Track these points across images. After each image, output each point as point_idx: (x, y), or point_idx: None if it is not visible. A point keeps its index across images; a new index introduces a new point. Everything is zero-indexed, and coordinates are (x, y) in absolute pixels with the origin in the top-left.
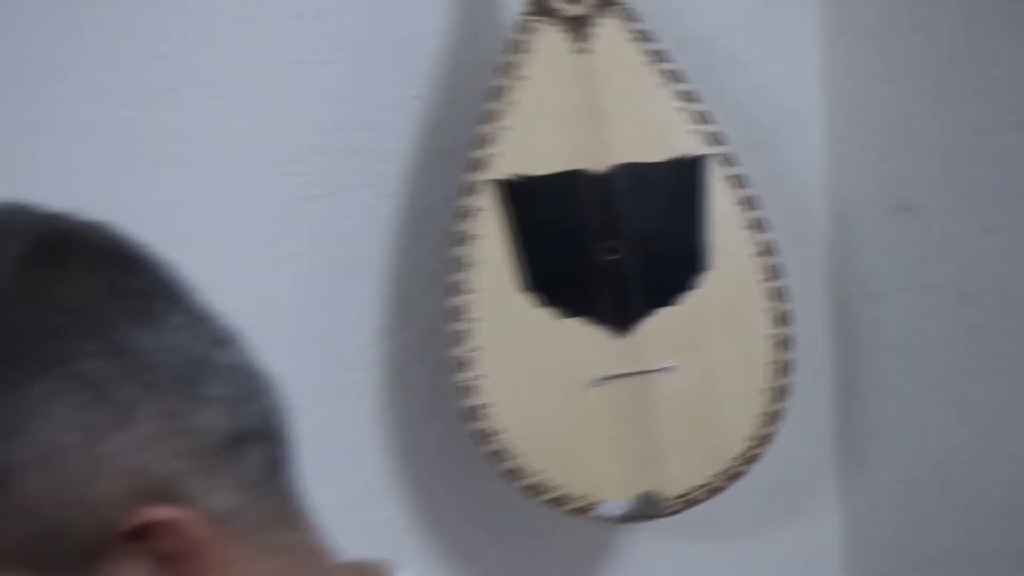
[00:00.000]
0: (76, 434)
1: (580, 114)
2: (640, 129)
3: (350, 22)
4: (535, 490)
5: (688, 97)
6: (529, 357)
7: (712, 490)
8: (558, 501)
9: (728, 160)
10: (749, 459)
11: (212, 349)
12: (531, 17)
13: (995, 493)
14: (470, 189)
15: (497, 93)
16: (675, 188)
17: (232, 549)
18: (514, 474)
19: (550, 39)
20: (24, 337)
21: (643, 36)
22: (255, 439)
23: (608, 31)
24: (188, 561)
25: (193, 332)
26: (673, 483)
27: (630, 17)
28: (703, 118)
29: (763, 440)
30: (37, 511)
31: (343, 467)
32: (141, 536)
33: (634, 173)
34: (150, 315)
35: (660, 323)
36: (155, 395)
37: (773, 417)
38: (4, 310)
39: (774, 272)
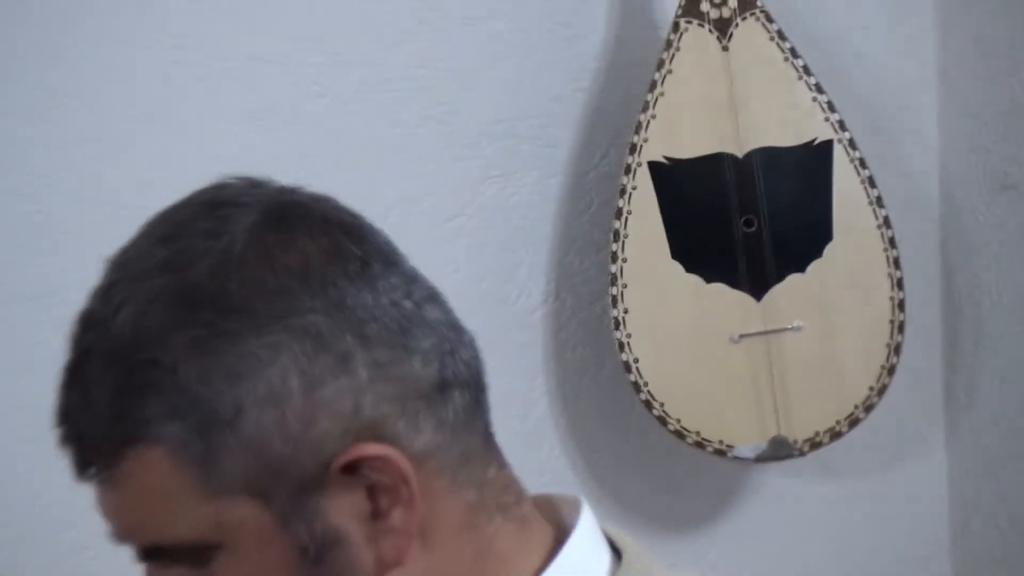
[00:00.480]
0: (299, 380)
1: (723, 104)
2: (775, 117)
3: (522, 23)
4: (679, 434)
5: (817, 89)
6: (675, 317)
7: (835, 434)
8: (700, 444)
9: (852, 145)
10: (868, 407)
11: (422, 306)
12: (682, 18)
13: None
14: (626, 170)
15: (651, 86)
16: (805, 169)
17: (434, 483)
18: (661, 420)
19: (698, 38)
20: (255, 295)
21: (778, 35)
22: (458, 386)
23: (748, 31)
24: (394, 492)
25: (405, 291)
26: (800, 428)
27: (767, 19)
28: (830, 107)
29: (880, 390)
30: (262, 447)
31: (515, 412)
32: (354, 470)
33: (769, 156)
34: (368, 276)
35: (790, 287)
36: (370, 347)
37: (890, 370)
38: (239, 271)
39: (891, 243)
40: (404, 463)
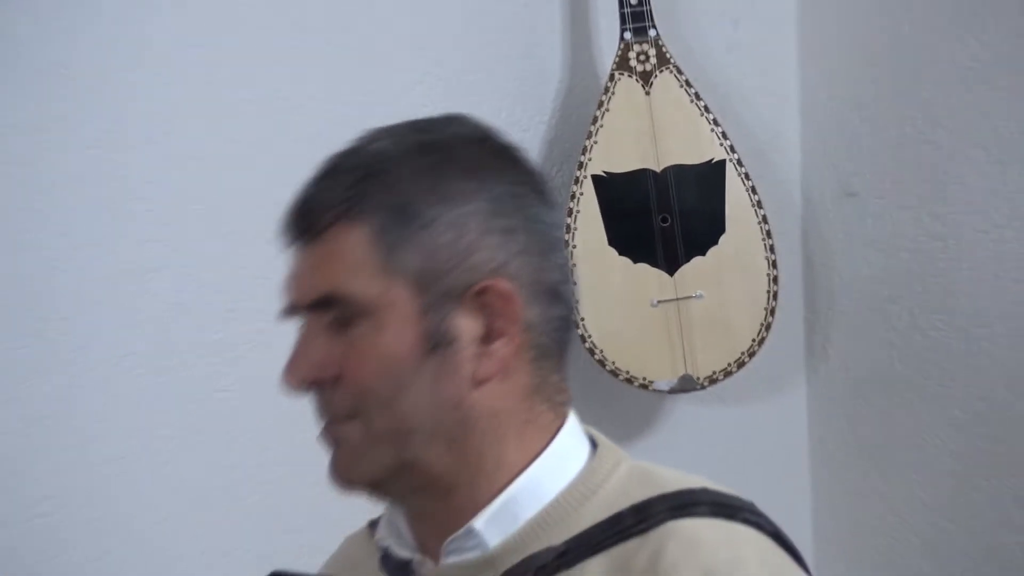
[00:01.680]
0: (477, 222)
1: (645, 133)
2: (683, 143)
3: (498, 75)
4: (614, 373)
5: (714, 123)
6: (611, 288)
7: (727, 373)
8: (629, 380)
9: (739, 163)
10: (751, 354)
11: (561, 241)
12: (616, 71)
13: (913, 387)
14: (575, 181)
15: (594, 119)
16: (705, 180)
17: (528, 358)
18: (600, 363)
19: (628, 86)
20: (476, 159)
21: (686, 83)
22: (562, 304)
23: (664, 80)
24: (503, 328)
25: (560, 229)
26: (702, 369)
27: (678, 71)
28: (724, 136)
29: (760, 342)
30: (434, 254)
31: None
32: (484, 293)
33: (679, 171)
34: (548, 203)
35: (695, 266)
36: (529, 236)
37: (767, 327)
38: (470, 146)
39: (767, 235)
40: (518, 304)
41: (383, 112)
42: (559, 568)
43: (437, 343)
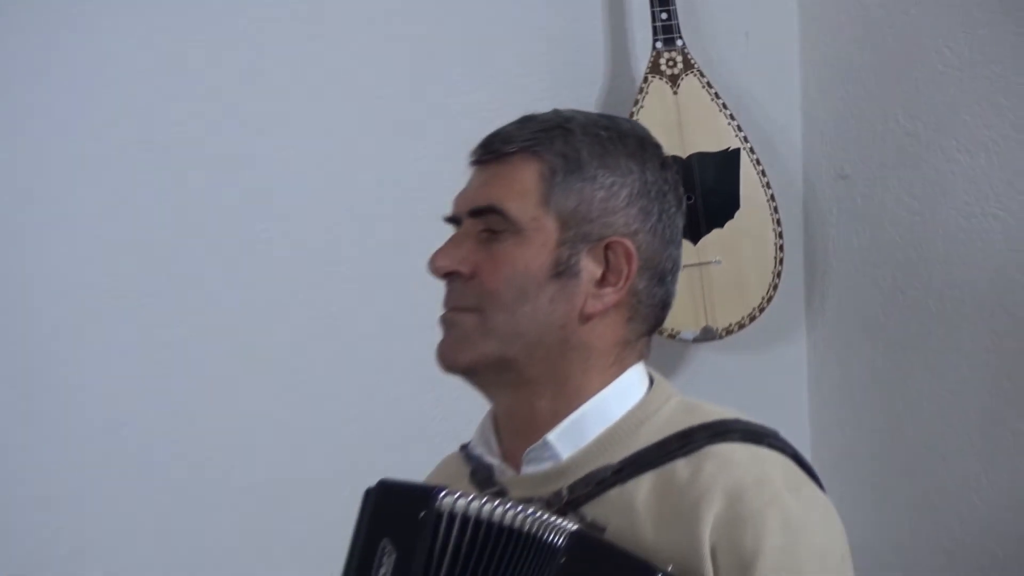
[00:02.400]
0: (627, 192)
1: (674, 125)
2: (705, 134)
3: (549, 79)
4: None
5: (731, 117)
6: None
7: (741, 326)
8: (659, 332)
9: (752, 151)
10: (761, 309)
11: (679, 235)
12: (649, 74)
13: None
14: None
15: (630, 115)
16: (723, 165)
17: (627, 307)
18: None
19: (659, 87)
20: (642, 151)
21: (707, 85)
22: (665, 286)
23: (689, 82)
24: (616, 278)
25: (681, 233)
26: (721, 321)
27: (700, 74)
28: (739, 128)
29: (769, 299)
30: (585, 203)
31: None
32: (612, 247)
33: (701, 157)
34: (681, 206)
35: (714, 236)
36: (660, 222)
37: (774, 287)
38: (640, 139)
39: (775, 211)
40: (634, 271)
41: (458, 105)
42: (616, 483)
43: (562, 272)
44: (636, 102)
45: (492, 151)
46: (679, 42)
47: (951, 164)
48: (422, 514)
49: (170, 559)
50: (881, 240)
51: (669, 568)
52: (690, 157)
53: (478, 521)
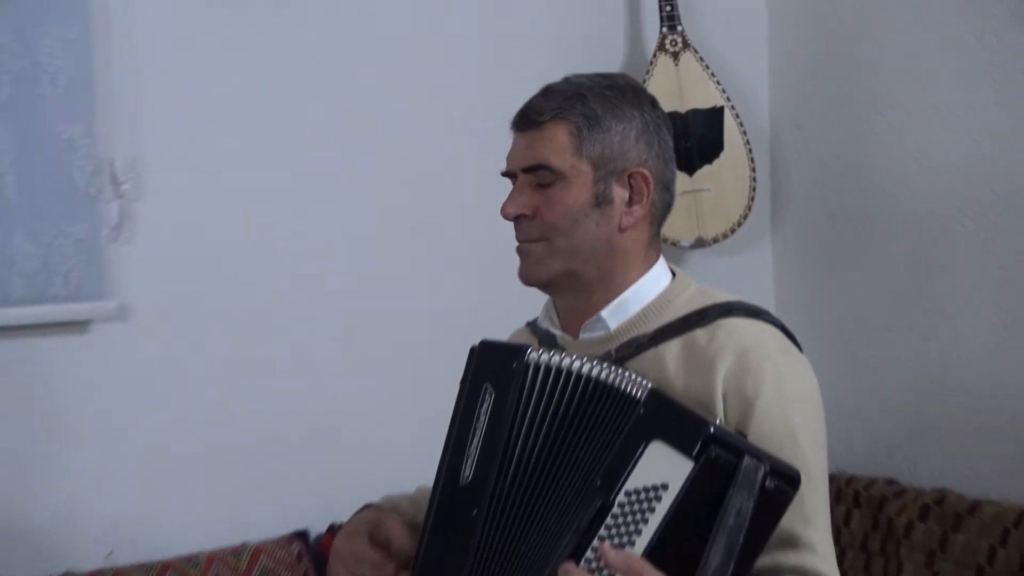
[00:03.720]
0: (636, 133)
1: (675, 90)
2: (698, 95)
3: (581, 58)
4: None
5: (716, 82)
6: None
7: (724, 236)
8: (664, 240)
9: (732, 108)
10: (739, 224)
11: (672, 154)
12: (657, 52)
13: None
14: None
15: (643, 83)
16: (710, 118)
17: (649, 218)
18: None
19: (664, 61)
20: (639, 100)
21: (700, 59)
22: (670, 193)
23: (687, 57)
24: (639, 199)
25: (671, 134)
26: (709, 232)
27: (694, 51)
28: (722, 91)
29: (745, 216)
30: (608, 148)
31: None
32: (634, 176)
33: (695, 112)
34: (670, 128)
35: (705, 171)
36: (660, 147)
37: (749, 208)
38: (635, 91)
39: (749, 151)
40: (652, 189)
41: (515, 81)
42: (650, 346)
43: (601, 201)
44: (648, 71)
45: (530, 121)
46: (679, 28)
47: (879, 117)
48: (514, 364)
49: (324, 409)
50: (827, 173)
51: (717, 421)
52: (687, 112)
53: (559, 370)
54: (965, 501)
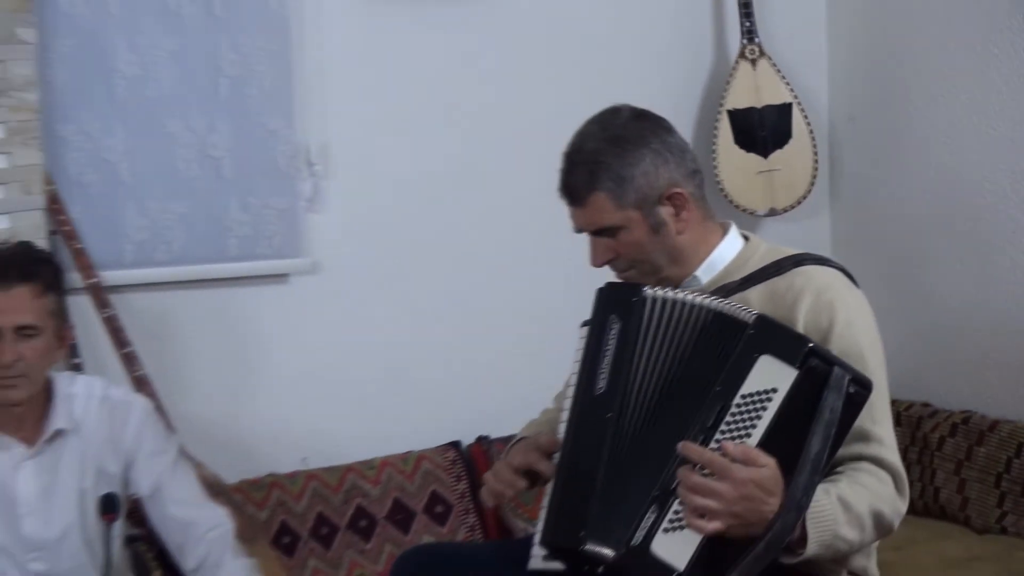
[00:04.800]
0: (654, 168)
1: (753, 89)
2: (771, 93)
3: (676, 66)
4: (735, 206)
5: (786, 82)
6: (735, 164)
7: (792, 206)
8: (743, 210)
9: (799, 104)
10: (804, 197)
11: (687, 154)
12: (739, 59)
13: None
14: (719, 114)
15: (727, 84)
16: (782, 111)
17: (693, 207)
18: (730, 201)
19: (744, 66)
20: (648, 134)
21: (773, 64)
22: (700, 179)
23: (763, 63)
24: (681, 209)
25: (685, 147)
26: (781, 203)
27: (769, 58)
28: (791, 90)
29: (809, 189)
30: (642, 190)
31: None
32: (670, 197)
33: (768, 107)
34: (678, 138)
35: (778, 154)
36: (682, 161)
37: (812, 182)
38: (638, 124)
39: (813, 141)
40: (688, 197)
41: (624, 85)
42: (738, 291)
43: (657, 227)
44: (731, 75)
45: (573, 199)
46: (756, 39)
47: (916, 110)
48: (634, 298)
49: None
50: (874, 155)
51: (811, 343)
52: (763, 107)
53: (677, 302)
54: (987, 420)
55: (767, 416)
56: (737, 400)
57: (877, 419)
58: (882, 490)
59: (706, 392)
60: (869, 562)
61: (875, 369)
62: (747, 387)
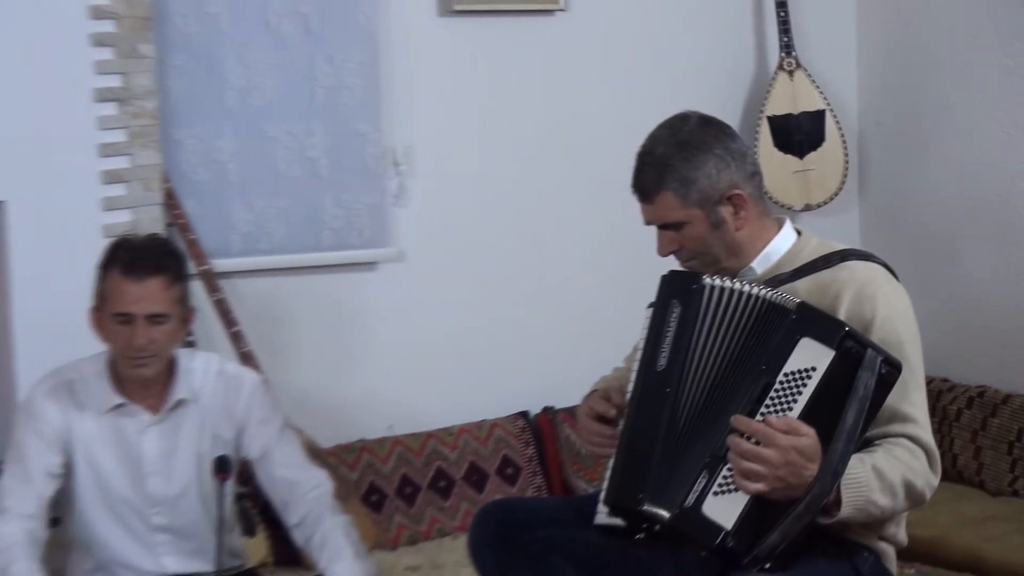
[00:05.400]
0: (716, 171)
1: (790, 97)
2: (807, 101)
3: (723, 77)
4: (775, 202)
5: (820, 91)
6: (775, 164)
7: (825, 202)
8: (781, 205)
9: (832, 111)
10: (836, 193)
11: (749, 157)
12: (778, 70)
13: None
14: (759, 120)
15: (767, 92)
16: (816, 117)
17: (751, 205)
18: (769, 196)
19: (783, 77)
20: (712, 139)
21: (808, 76)
22: (760, 179)
23: (799, 74)
24: (738, 203)
25: (747, 151)
26: (815, 199)
27: (804, 69)
28: (824, 98)
29: (840, 188)
30: (705, 191)
31: None
32: (730, 198)
33: (804, 114)
34: (739, 143)
35: (812, 155)
36: (742, 164)
37: (843, 180)
38: (704, 129)
39: (844, 143)
40: (746, 197)
41: (673, 88)
42: (788, 281)
43: (717, 224)
44: (770, 85)
45: (643, 196)
46: (793, 53)
47: (935, 117)
48: (695, 285)
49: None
50: (898, 156)
51: (848, 327)
52: (799, 114)
53: (731, 291)
54: (1000, 394)
55: (807, 392)
56: (780, 378)
57: (914, 402)
58: (915, 464)
59: (753, 370)
60: (899, 530)
61: (912, 357)
62: (789, 366)
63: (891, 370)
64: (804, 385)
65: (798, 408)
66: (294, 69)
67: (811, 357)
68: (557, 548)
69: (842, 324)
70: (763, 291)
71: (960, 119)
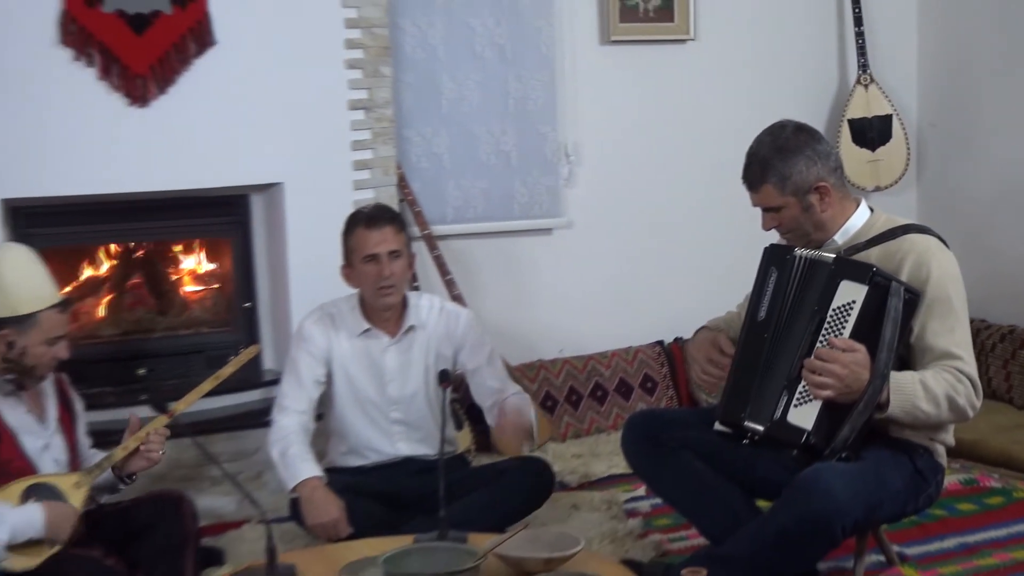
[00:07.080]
0: (807, 167)
1: (865, 104)
2: (879, 106)
3: (812, 90)
4: (850, 181)
5: (888, 100)
6: (853, 155)
7: (890, 185)
8: (854, 184)
9: (898, 115)
10: (900, 178)
11: (836, 158)
12: (856, 84)
13: None
14: (841, 121)
15: (847, 102)
16: (885, 120)
17: (835, 191)
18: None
19: (860, 90)
20: (804, 143)
21: (879, 86)
22: (843, 172)
23: (873, 87)
24: (823, 192)
25: (835, 152)
26: (884, 181)
27: (877, 83)
28: (892, 105)
29: (903, 174)
30: (797, 182)
31: None
32: (818, 188)
33: (877, 117)
34: (829, 146)
35: (881, 149)
36: (827, 160)
37: (905, 169)
38: (799, 135)
39: (907, 140)
40: (830, 187)
41: (763, 100)
42: (862, 249)
43: (807, 208)
44: (850, 95)
45: (750, 185)
46: (868, 69)
47: (979, 120)
48: (788, 256)
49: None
50: (948, 150)
51: (875, 267)
52: (872, 117)
53: (810, 259)
54: None
55: (852, 319)
56: (830, 313)
57: (959, 343)
58: (958, 385)
59: (808, 311)
60: (947, 435)
61: (959, 308)
62: (835, 302)
63: (912, 296)
64: (848, 315)
65: (847, 332)
66: (492, 85)
67: (850, 293)
68: (687, 445)
69: (870, 266)
70: (826, 256)
71: (997, 123)
